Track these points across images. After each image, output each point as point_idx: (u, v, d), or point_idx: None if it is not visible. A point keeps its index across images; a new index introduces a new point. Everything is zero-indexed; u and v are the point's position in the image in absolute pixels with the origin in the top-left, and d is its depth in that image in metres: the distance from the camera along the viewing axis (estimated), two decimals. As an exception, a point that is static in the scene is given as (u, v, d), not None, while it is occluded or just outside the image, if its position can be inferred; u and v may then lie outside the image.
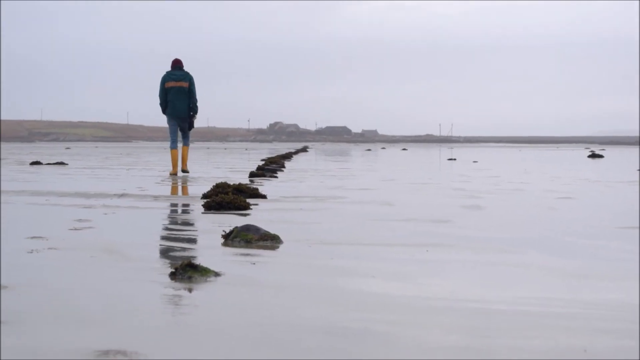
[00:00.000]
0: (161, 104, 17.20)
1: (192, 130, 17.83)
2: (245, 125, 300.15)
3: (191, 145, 18.80)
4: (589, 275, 4.80)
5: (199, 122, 18.15)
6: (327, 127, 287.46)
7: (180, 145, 17.27)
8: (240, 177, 15.80)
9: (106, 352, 3.00)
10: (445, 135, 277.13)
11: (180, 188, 13.28)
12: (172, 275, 4.51)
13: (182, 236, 6.63)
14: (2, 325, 3.38)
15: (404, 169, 22.74)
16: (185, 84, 16.99)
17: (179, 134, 17.42)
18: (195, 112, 17.31)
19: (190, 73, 17.24)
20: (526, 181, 15.81)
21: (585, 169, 23.58)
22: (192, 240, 6.39)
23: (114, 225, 7.42)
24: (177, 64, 17.25)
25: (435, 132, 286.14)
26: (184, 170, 17.24)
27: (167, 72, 17.17)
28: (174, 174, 16.92)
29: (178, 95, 16.97)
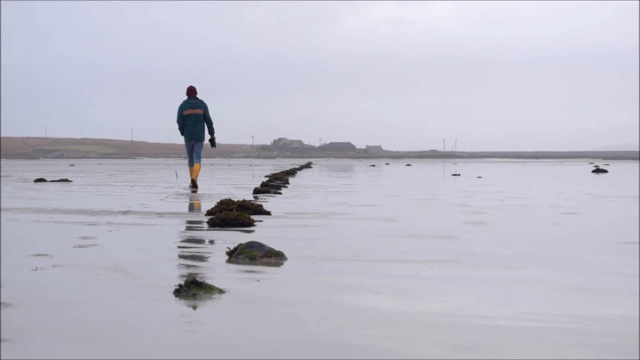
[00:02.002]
0: (180, 129, 19.77)
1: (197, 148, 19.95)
2: (249, 142, 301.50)
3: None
4: (593, 291, 4.79)
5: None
6: (331, 143, 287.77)
7: (194, 162, 19.58)
8: (244, 194, 15.81)
9: (111, 370, 3.00)
10: (449, 150, 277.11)
11: (184, 204, 13.28)
12: (177, 293, 4.51)
13: (187, 253, 6.63)
14: (7, 343, 3.38)
15: (408, 185, 22.73)
16: (200, 111, 19.55)
17: (194, 154, 19.71)
18: (213, 132, 19.84)
19: (204, 101, 19.70)
20: (530, 197, 15.79)
21: (590, 184, 23.55)
22: (197, 257, 6.38)
23: (118, 242, 7.41)
24: (191, 92, 19.73)
25: (440, 148, 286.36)
26: (194, 182, 19.06)
27: (184, 101, 19.69)
28: (192, 186, 19.06)
29: (195, 121, 19.54)
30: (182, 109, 19.61)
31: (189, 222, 9.62)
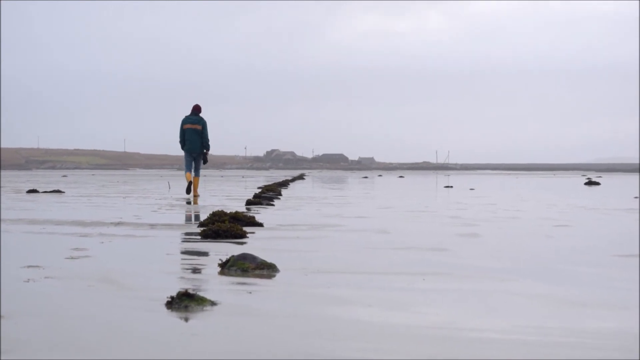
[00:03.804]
0: (180, 142, 21.34)
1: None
2: (242, 153, 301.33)
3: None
4: (586, 304, 4.79)
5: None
6: (324, 155, 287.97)
7: (192, 175, 21.20)
8: (236, 205, 15.80)
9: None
10: (442, 162, 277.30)
11: (177, 216, 13.27)
12: (169, 305, 4.50)
13: (179, 265, 6.62)
14: (1, 354, 3.37)
15: (400, 197, 22.74)
16: (199, 127, 21.16)
17: (193, 165, 21.37)
18: (207, 149, 21.38)
19: (205, 119, 21.29)
20: (523, 209, 15.81)
21: (582, 197, 23.59)
22: (189, 269, 6.38)
23: (110, 254, 7.40)
24: (195, 110, 21.35)
25: (432, 159, 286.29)
26: (195, 195, 20.75)
27: (186, 116, 21.34)
28: (189, 182, 20.96)
29: (193, 135, 21.14)
30: (183, 123, 21.29)
31: (182, 233, 9.61)
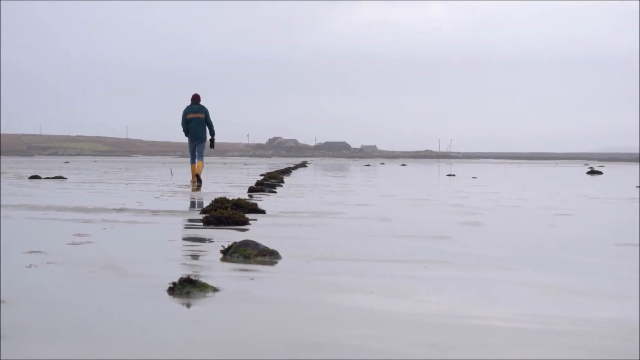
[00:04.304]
0: (184, 130, 22.07)
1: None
2: (244, 140, 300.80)
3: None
4: (587, 293, 4.80)
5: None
6: (326, 143, 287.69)
7: (196, 160, 21.76)
8: (239, 192, 15.82)
9: (104, 368, 2.99)
10: (445, 151, 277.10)
11: (179, 203, 13.28)
12: (171, 291, 4.50)
13: (181, 251, 6.63)
14: (1, 340, 3.37)
15: (402, 185, 22.74)
16: (202, 115, 21.91)
17: (196, 153, 21.93)
18: (213, 134, 22.20)
19: (206, 106, 22.06)
20: (525, 198, 15.81)
21: (584, 186, 23.58)
22: (191, 256, 6.39)
23: (112, 240, 7.41)
24: (195, 99, 22.06)
25: (435, 148, 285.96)
26: (198, 178, 21.10)
27: (188, 106, 22.03)
28: (193, 181, 21.34)
29: (197, 124, 21.85)
30: (185, 113, 22.02)
31: (184, 220, 9.61)
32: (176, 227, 8.74)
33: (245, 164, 65.85)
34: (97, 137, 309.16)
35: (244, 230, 8.28)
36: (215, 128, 22.07)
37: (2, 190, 16.20)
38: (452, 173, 38.78)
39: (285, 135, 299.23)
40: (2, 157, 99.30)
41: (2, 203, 11.96)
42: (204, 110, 21.97)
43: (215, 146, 22.47)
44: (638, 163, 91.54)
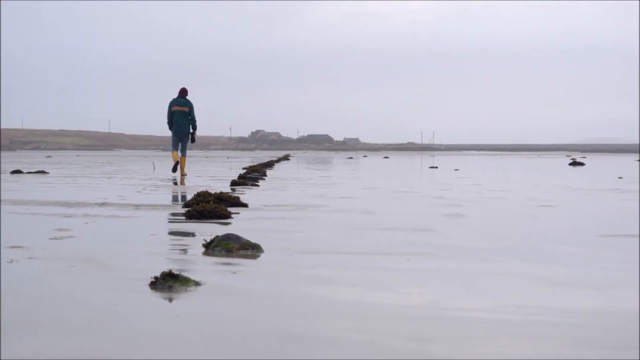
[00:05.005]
0: (168, 123, 22.71)
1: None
2: (226, 134, 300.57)
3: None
4: (570, 284, 4.80)
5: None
6: (309, 135, 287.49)
7: (179, 155, 22.45)
8: (221, 186, 15.78)
9: (85, 363, 2.98)
10: (427, 143, 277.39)
11: (162, 196, 13.24)
12: (153, 285, 4.49)
13: (163, 245, 6.61)
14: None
15: (385, 177, 22.75)
16: (186, 109, 22.59)
17: (179, 145, 22.64)
18: (195, 129, 22.89)
19: (191, 100, 22.73)
20: (508, 189, 15.84)
21: (567, 177, 23.65)
22: (173, 250, 6.37)
23: (94, 234, 7.38)
24: (182, 93, 22.81)
25: (417, 140, 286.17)
26: (183, 174, 21.85)
27: (174, 99, 22.75)
28: (176, 161, 22.31)
29: (181, 117, 22.54)
30: (171, 105, 22.73)
31: (166, 214, 9.59)
32: (158, 221, 8.72)
33: (228, 157, 65.77)
34: (80, 131, 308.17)
35: (227, 224, 8.26)
36: (197, 123, 22.73)
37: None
38: (435, 165, 38.85)
39: (268, 129, 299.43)
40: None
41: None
42: (188, 105, 22.63)
43: (195, 140, 23.31)
44: (620, 154, 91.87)
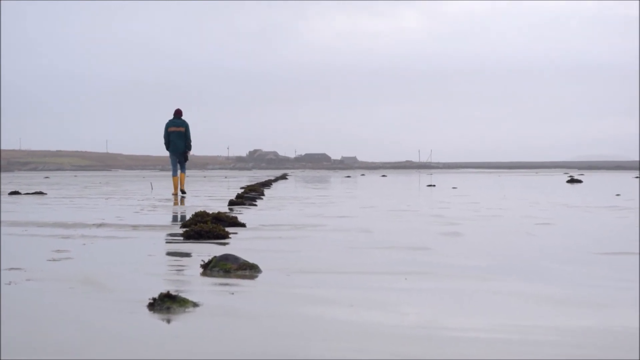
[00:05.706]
0: (165, 143, 23.04)
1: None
2: (224, 153, 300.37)
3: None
4: (567, 302, 4.81)
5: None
6: (307, 154, 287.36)
7: (179, 172, 22.91)
8: (219, 206, 15.79)
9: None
10: (425, 161, 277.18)
11: (159, 217, 13.24)
12: (151, 306, 4.49)
13: (161, 266, 6.61)
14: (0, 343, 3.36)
15: (383, 196, 22.75)
16: (182, 129, 22.92)
17: (178, 165, 22.99)
18: (189, 149, 23.17)
19: (187, 121, 23.08)
20: (505, 207, 15.85)
21: (564, 195, 23.65)
22: (171, 270, 6.37)
23: (92, 255, 7.38)
24: (177, 114, 23.09)
25: (415, 158, 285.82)
26: (182, 191, 22.70)
27: (170, 120, 23.01)
28: (175, 194, 22.49)
29: (177, 137, 22.88)
30: (167, 126, 23.05)
31: (164, 234, 9.59)
32: (156, 242, 8.72)
33: (226, 177, 65.74)
34: (77, 151, 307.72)
35: (224, 244, 8.27)
36: (194, 143, 23.01)
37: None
38: (433, 183, 38.86)
39: (266, 148, 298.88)
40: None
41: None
42: (184, 125, 22.95)
43: (188, 159, 23.52)
44: (618, 171, 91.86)
